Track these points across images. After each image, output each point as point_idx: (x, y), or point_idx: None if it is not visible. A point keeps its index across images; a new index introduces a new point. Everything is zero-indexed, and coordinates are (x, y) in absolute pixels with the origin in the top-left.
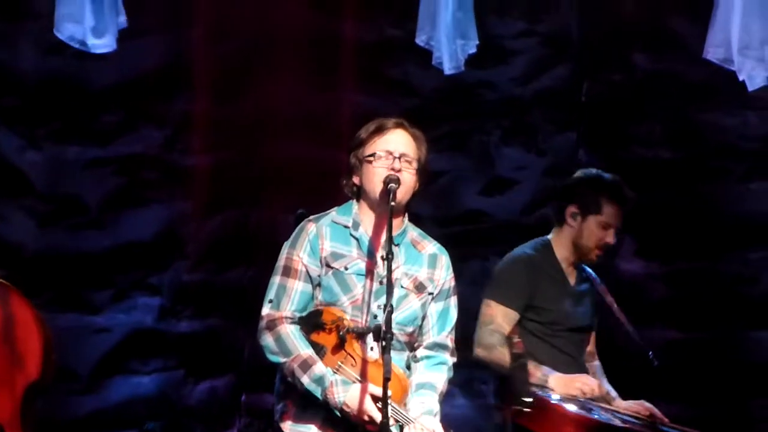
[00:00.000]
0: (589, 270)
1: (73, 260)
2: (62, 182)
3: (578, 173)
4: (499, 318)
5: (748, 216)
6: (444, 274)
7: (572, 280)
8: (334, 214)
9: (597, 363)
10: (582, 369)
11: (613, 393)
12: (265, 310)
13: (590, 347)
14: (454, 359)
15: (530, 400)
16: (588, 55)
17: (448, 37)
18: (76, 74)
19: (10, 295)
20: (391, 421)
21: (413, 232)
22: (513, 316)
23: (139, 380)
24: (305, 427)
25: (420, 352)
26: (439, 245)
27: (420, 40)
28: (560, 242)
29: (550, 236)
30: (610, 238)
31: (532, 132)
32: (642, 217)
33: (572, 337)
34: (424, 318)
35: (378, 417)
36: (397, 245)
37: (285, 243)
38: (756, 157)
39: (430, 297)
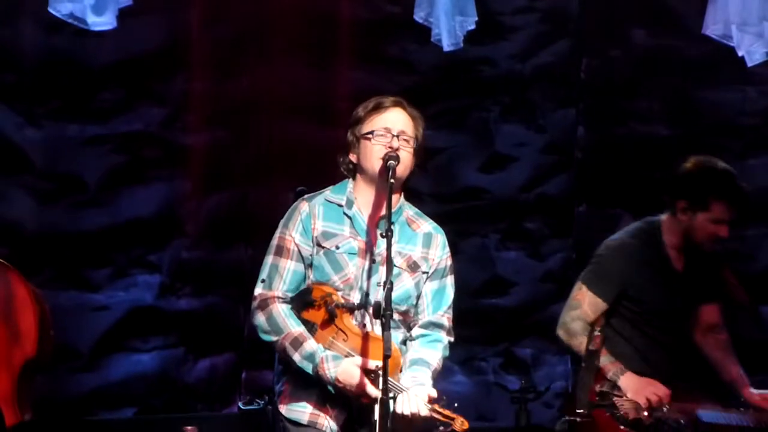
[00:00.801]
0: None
1: (73, 238)
2: (62, 160)
3: (690, 163)
4: (585, 304)
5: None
6: (439, 253)
7: (679, 265)
8: (328, 192)
9: (723, 337)
10: (677, 355)
11: (745, 380)
12: (258, 289)
13: (714, 319)
14: (451, 338)
15: (584, 411)
16: (587, 31)
17: (446, 13)
18: (75, 52)
19: (8, 273)
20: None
21: (409, 211)
22: (601, 306)
23: (139, 358)
24: (300, 405)
25: (415, 331)
26: (434, 224)
27: (418, 16)
28: (671, 229)
29: (662, 217)
30: (723, 232)
31: (531, 108)
32: (640, 194)
33: (670, 323)
34: (419, 297)
35: (371, 390)
36: (393, 223)
37: (281, 221)
38: (754, 134)
39: (425, 276)
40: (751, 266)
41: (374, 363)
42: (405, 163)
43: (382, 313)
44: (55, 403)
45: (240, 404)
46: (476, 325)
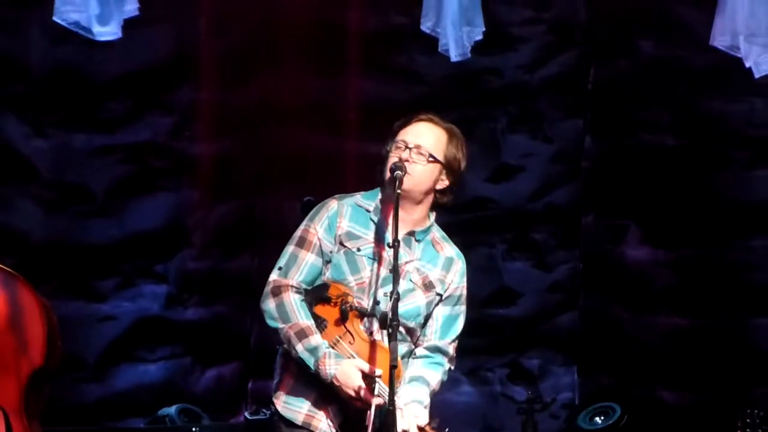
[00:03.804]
0: None
1: (80, 248)
2: (68, 170)
3: None
4: None
5: (752, 203)
6: (457, 280)
7: None
8: (359, 197)
9: None
10: None
11: None
12: (273, 276)
13: None
14: (452, 366)
15: None
16: (594, 42)
17: (454, 23)
18: (82, 62)
19: (16, 283)
20: (380, 401)
21: (436, 233)
22: None
23: (146, 368)
24: (297, 403)
25: (419, 351)
26: (458, 251)
27: (425, 27)
28: None
29: None
30: None
31: (538, 119)
32: (648, 204)
33: None
34: (428, 318)
35: (366, 395)
36: (419, 241)
37: (307, 216)
38: (761, 145)
39: (438, 298)
40: (756, 277)
41: (375, 370)
42: (415, 177)
43: (389, 323)
44: (61, 413)
45: (247, 414)
46: (483, 336)
